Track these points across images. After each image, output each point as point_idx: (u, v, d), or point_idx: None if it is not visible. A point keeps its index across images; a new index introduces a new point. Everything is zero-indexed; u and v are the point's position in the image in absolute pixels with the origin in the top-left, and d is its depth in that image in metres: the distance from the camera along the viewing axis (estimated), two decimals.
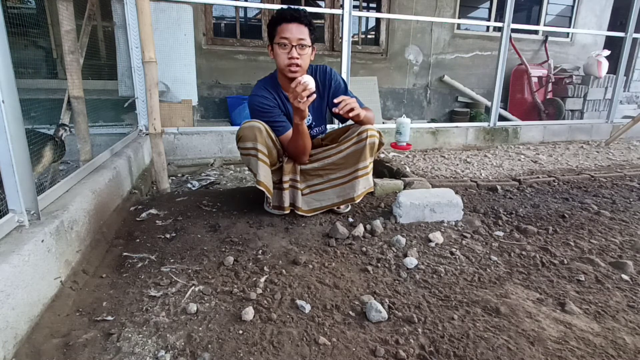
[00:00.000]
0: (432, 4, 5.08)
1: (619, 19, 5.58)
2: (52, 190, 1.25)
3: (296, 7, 1.57)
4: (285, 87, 1.65)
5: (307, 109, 1.47)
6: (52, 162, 1.60)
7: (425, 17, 4.67)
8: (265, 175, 1.58)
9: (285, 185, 1.68)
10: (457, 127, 3.70)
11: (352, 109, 1.49)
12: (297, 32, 1.50)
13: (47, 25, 2.24)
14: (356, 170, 1.65)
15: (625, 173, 2.57)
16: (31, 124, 1.51)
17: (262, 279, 1.20)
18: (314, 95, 1.43)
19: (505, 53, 3.49)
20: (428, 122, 5.21)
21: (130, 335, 0.94)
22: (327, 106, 1.74)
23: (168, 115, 3.00)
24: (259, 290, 1.13)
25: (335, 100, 1.49)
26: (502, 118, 4.35)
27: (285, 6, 1.57)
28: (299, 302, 1.08)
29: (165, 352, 0.88)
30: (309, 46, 1.55)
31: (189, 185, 2.41)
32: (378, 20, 5.16)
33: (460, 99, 5.56)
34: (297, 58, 1.52)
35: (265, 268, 1.27)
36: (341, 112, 1.49)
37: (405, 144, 2.27)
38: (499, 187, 2.18)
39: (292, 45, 1.51)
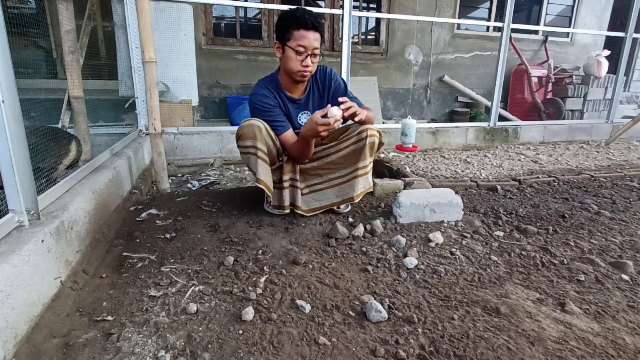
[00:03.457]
0: (432, 4, 5.08)
1: (619, 19, 5.57)
2: (52, 190, 1.25)
3: (310, 10, 1.54)
4: (286, 87, 1.65)
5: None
6: (75, 159, 1.63)
7: (425, 17, 4.67)
8: (265, 174, 1.58)
9: (285, 185, 1.68)
10: (457, 127, 3.70)
11: (355, 113, 1.48)
12: (314, 40, 1.51)
13: (47, 25, 2.24)
14: (356, 169, 1.65)
15: (625, 173, 2.57)
16: (31, 124, 1.52)
17: (262, 279, 1.20)
18: (336, 126, 1.46)
19: (505, 53, 3.49)
20: (428, 122, 5.20)
21: (130, 335, 0.94)
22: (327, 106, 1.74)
23: (168, 115, 3.00)
24: (259, 290, 1.13)
25: (340, 99, 1.48)
26: (502, 118, 4.35)
27: (295, 6, 1.56)
28: (299, 302, 1.08)
29: (165, 352, 0.88)
30: (320, 53, 1.57)
31: (189, 185, 2.41)
32: (378, 20, 5.16)
33: (460, 99, 5.56)
34: (311, 66, 1.53)
35: (265, 268, 1.27)
36: (345, 115, 1.49)
37: (411, 145, 2.24)
38: (499, 187, 2.18)
39: (308, 54, 1.51)
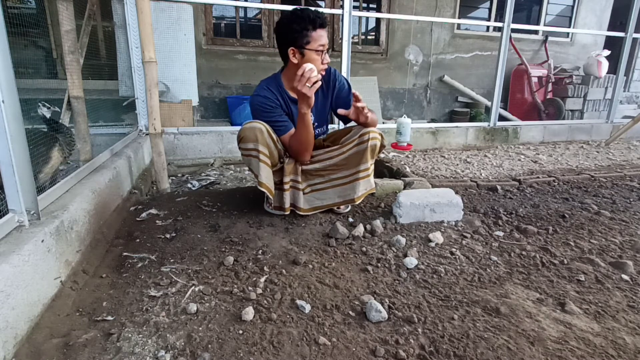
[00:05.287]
0: (432, 4, 5.08)
1: (619, 19, 5.57)
2: (52, 190, 1.25)
3: (311, 8, 1.55)
4: (289, 88, 1.65)
5: (313, 96, 1.49)
6: (59, 165, 1.60)
7: (425, 17, 4.67)
8: (266, 176, 1.58)
9: (286, 186, 1.67)
10: (457, 127, 3.70)
11: (363, 108, 1.55)
12: (326, 36, 1.55)
13: (47, 25, 2.24)
14: (357, 172, 1.65)
15: (625, 173, 2.57)
16: (31, 124, 1.51)
17: (262, 279, 1.20)
18: (319, 83, 1.47)
19: (505, 53, 3.49)
20: (428, 122, 5.21)
21: (130, 335, 0.94)
22: (330, 106, 1.74)
23: (168, 115, 3.00)
24: (259, 290, 1.13)
25: (354, 91, 1.56)
26: (502, 118, 4.35)
27: (298, 8, 1.55)
28: (299, 302, 1.08)
29: (165, 352, 0.88)
30: None
31: (189, 185, 2.41)
32: (378, 20, 5.16)
33: (460, 99, 5.56)
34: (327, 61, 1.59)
35: (265, 268, 1.27)
36: (358, 105, 1.55)
37: (405, 144, 2.27)
38: (499, 187, 2.18)
39: (325, 51, 1.56)
